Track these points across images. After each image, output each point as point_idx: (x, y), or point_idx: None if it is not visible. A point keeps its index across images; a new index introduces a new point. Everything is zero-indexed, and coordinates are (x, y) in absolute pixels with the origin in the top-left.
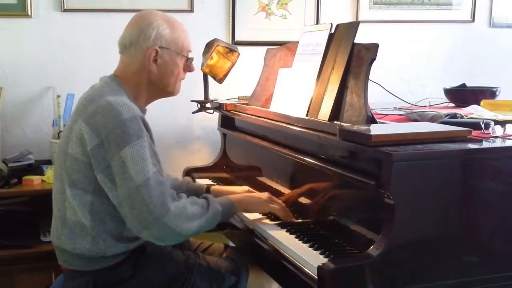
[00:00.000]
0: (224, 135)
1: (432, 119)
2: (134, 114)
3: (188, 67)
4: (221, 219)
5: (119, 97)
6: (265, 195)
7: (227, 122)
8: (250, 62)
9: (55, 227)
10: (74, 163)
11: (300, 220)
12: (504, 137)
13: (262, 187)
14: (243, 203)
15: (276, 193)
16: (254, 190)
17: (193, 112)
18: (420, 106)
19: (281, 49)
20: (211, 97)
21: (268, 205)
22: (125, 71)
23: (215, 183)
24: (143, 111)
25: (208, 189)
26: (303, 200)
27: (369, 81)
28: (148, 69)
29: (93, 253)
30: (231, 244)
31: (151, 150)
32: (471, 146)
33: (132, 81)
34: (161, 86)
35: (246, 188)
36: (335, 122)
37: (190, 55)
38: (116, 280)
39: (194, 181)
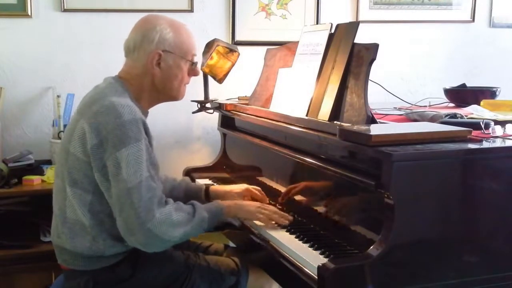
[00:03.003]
0: (224, 135)
1: (432, 119)
2: (135, 117)
3: (193, 71)
4: (208, 226)
5: (123, 99)
6: (255, 204)
7: (227, 122)
8: (250, 62)
9: (55, 225)
10: (75, 162)
11: (298, 218)
12: (504, 137)
13: (262, 187)
14: (232, 210)
15: (276, 193)
16: (254, 188)
17: (193, 112)
18: (420, 106)
19: (281, 49)
20: (211, 97)
21: (256, 215)
22: (129, 74)
23: (215, 183)
24: (145, 114)
25: (207, 189)
26: (303, 200)
27: (369, 81)
28: (152, 72)
29: (92, 252)
30: (231, 244)
31: (148, 154)
32: (471, 146)
33: (136, 84)
34: (164, 90)
35: (244, 186)
36: (335, 122)
37: (195, 59)
38: (115, 279)
39: (194, 181)
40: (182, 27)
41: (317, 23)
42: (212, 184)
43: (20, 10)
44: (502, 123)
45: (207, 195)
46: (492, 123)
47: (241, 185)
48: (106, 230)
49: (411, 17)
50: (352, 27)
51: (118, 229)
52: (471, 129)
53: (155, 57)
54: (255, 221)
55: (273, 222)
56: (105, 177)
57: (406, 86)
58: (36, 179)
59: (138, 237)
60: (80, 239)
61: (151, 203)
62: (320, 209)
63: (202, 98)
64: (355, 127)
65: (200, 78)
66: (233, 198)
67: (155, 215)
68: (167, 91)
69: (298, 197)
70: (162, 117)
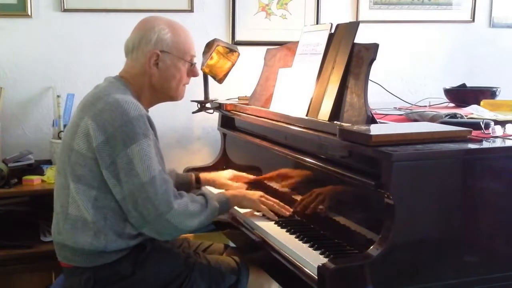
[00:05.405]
0: (224, 135)
1: (432, 119)
2: (141, 113)
3: (192, 72)
4: (218, 215)
5: (126, 96)
6: (258, 194)
7: (227, 122)
8: (250, 62)
9: (56, 223)
10: (79, 158)
11: (298, 218)
12: (504, 137)
13: (262, 187)
14: (236, 199)
15: (276, 193)
16: (241, 173)
17: (193, 112)
18: (420, 106)
19: (281, 49)
20: (211, 97)
21: (259, 205)
22: (129, 73)
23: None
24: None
25: (197, 177)
26: (303, 200)
27: (369, 81)
28: (150, 72)
29: (94, 247)
30: (231, 244)
31: (156, 148)
32: (471, 146)
33: (136, 83)
34: (162, 90)
35: (231, 171)
36: (335, 122)
37: (194, 60)
38: (116, 277)
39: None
40: (181, 28)
41: (317, 23)
42: (199, 172)
43: (20, 10)
44: (502, 123)
45: (198, 183)
46: (492, 123)
47: (228, 170)
48: (108, 225)
49: (411, 17)
50: (352, 27)
51: (131, 221)
52: (471, 129)
53: (153, 57)
54: (254, 220)
55: (273, 213)
56: (112, 174)
57: (406, 86)
58: (36, 179)
59: (156, 226)
60: (82, 234)
61: (167, 195)
62: (320, 209)
63: (202, 98)
64: (355, 127)
65: (200, 78)
66: (222, 183)
67: (173, 206)
68: (165, 91)
69: (298, 197)
70: (162, 117)
